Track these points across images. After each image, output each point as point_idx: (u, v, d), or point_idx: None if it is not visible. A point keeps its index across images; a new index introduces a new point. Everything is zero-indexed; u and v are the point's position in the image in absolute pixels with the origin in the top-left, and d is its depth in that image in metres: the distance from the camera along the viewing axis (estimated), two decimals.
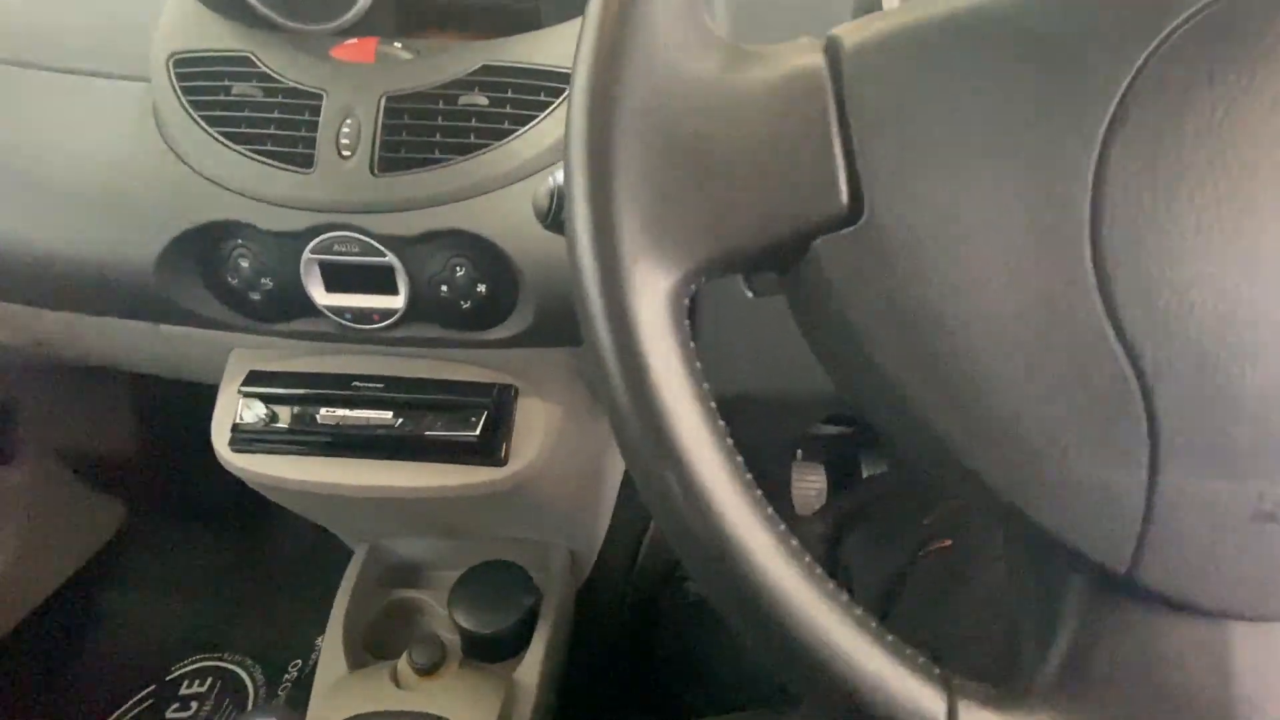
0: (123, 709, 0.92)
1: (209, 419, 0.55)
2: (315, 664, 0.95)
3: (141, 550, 1.05)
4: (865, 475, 1.09)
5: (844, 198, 0.20)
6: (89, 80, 0.51)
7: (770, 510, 0.20)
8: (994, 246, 0.19)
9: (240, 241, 0.47)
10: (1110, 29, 0.19)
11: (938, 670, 0.20)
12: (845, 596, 0.20)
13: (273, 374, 0.52)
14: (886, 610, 0.45)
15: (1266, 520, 0.18)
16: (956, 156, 0.19)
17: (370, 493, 0.52)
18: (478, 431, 0.50)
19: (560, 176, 0.30)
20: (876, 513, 0.50)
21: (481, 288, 0.48)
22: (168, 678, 0.94)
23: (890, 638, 0.20)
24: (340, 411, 0.50)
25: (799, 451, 1.13)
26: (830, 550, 0.51)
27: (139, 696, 0.93)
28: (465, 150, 0.46)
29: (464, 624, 0.64)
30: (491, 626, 0.64)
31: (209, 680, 0.94)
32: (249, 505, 1.12)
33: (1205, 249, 0.18)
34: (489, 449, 0.51)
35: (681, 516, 0.19)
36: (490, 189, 0.46)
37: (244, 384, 0.52)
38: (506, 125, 0.46)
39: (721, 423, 0.20)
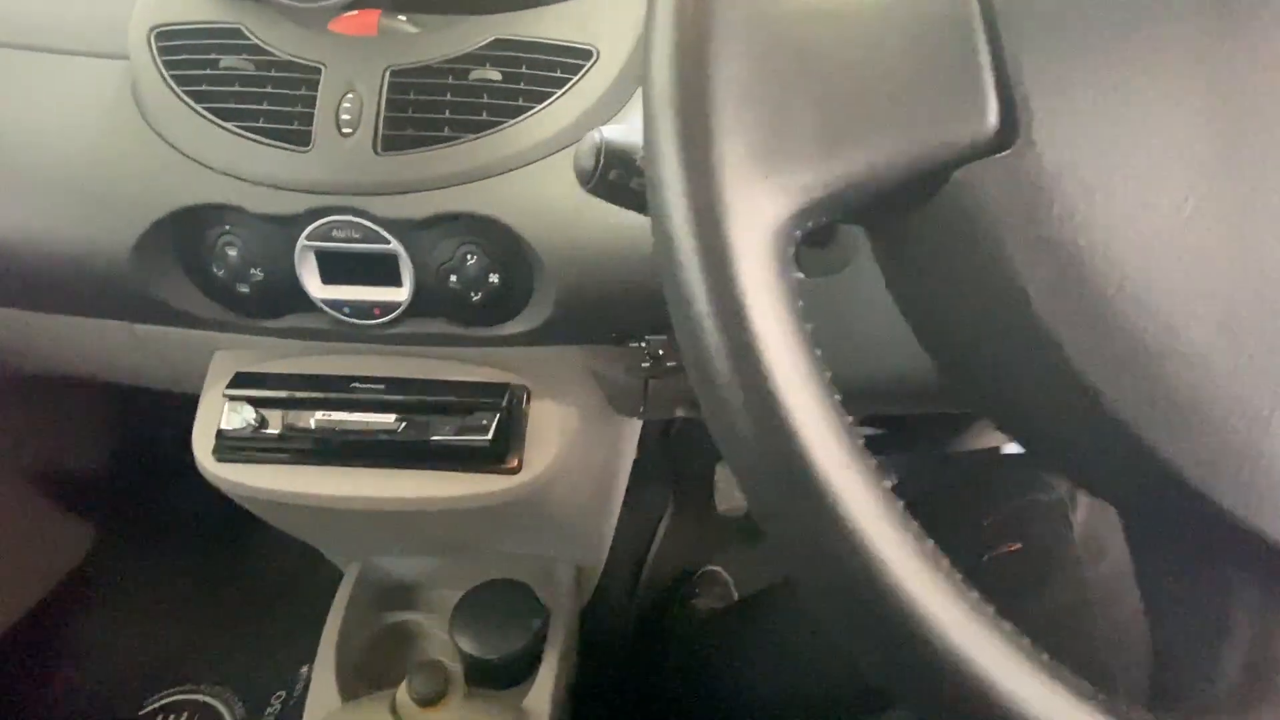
0: None
1: (185, 430, 0.50)
2: (300, 695, 0.89)
3: (111, 574, 0.98)
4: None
5: (993, 118, 0.16)
6: (62, 59, 0.46)
7: (915, 524, 0.16)
8: (1179, 179, 0.16)
9: (228, 227, 0.43)
10: None
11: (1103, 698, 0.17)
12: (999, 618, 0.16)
13: (261, 375, 0.48)
14: None
15: None
16: (1130, 68, 0.16)
17: (371, 505, 0.47)
18: (489, 436, 0.45)
19: (607, 131, 0.26)
20: (925, 513, 0.47)
21: (494, 278, 0.44)
22: (139, 712, 0.87)
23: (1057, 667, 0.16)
24: (337, 415, 0.46)
25: None
26: None
27: None
28: (476, 128, 0.42)
29: (468, 649, 0.59)
30: (498, 651, 0.59)
31: (184, 715, 0.87)
32: (225, 523, 1.05)
33: None
34: (501, 455, 0.47)
35: (804, 517, 0.16)
36: (504, 169, 0.42)
37: (229, 386, 0.47)
38: (520, 102, 0.43)
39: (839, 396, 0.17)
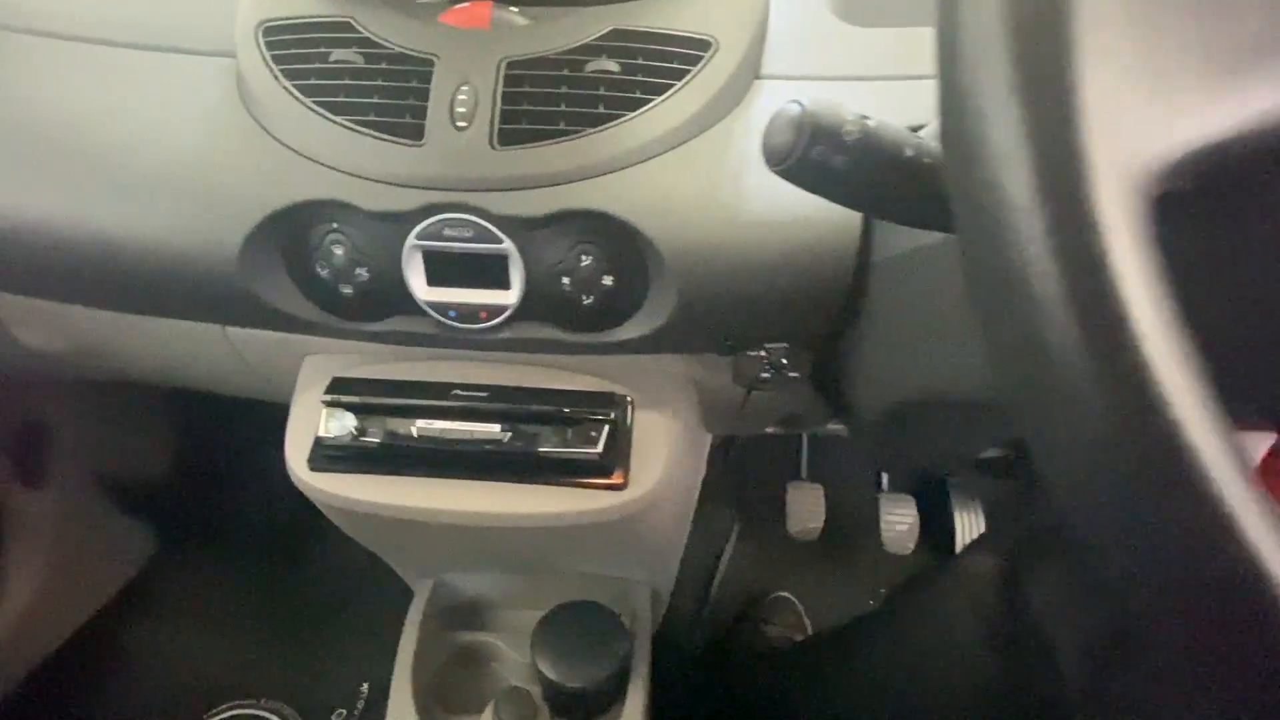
0: None
1: (245, 436, 0.49)
2: (362, 713, 0.86)
3: (172, 581, 0.98)
4: (956, 511, 1.00)
5: None
6: (165, 57, 0.45)
7: None
8: None
9: (335, 225, 0.41)
10: None
11: None
12: None
13: (360, 381, 0.45)
14: (1107, 679, 0.36)
15: None
16: None
17: (474, 519, 0.44)
18: (600, 448, 0.43)
19: (809, 102, 0.23)
20: (1060, 547, 0.42)
21: (607, 280, 0.41)
22: None
23: None
24: (440, 424, 0.43)
25: (883, 480, 1.04)
26: (1007, 596, 0.43)
27: None
28: (594, 121, 0.40)
29: (553, 676, 0.56)
30: (585, 680, 0.56)
31: None
32: (284, 533, 1.05)
33: None
34: (609, 469, 0.44)
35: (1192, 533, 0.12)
36: (624, 164, 0.40)
37: (328, 392, 0.45)
38: (639, 94, 0.40)
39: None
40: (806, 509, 0.96)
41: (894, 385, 0.41)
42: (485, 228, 0.40)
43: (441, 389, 0.44)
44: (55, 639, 0.86)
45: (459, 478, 0.44)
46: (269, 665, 0.91)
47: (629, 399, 0.47)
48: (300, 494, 0.48)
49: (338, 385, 0.45)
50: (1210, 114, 0.13)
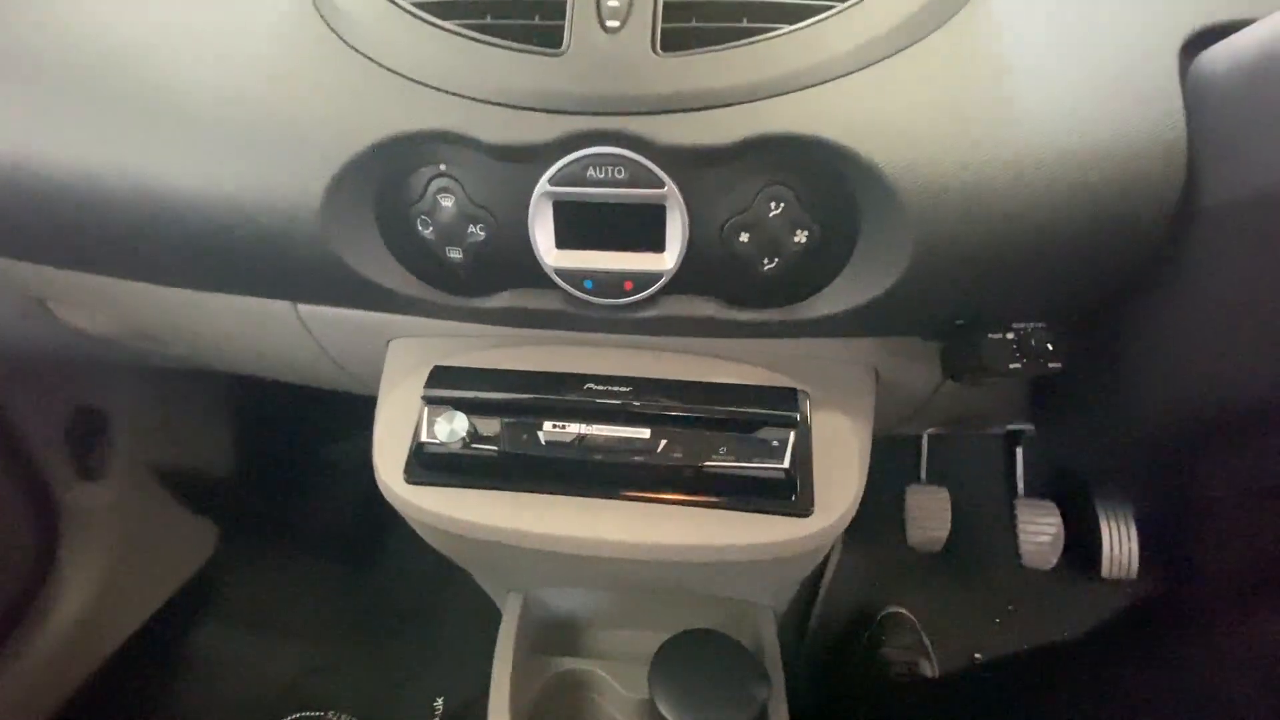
0: None
1: (317, 426, 0.39)
2: None
3: (233, 582, 0.92)
4: (1103, 520, 0.86)
5: None
6: None
7: None
8: None
9: (443, 169, 0.31)
10: None
11: None
12: None
13: (470, 372, 0.36)
14: None
15: None
16: None
17: (621, 552, 0.34)
18: (785, 462, 0.32)
19: None
20: None
21: (800, 235, 0.31)
22: None
23: None
24: (575, 428, 0.33)
25: (1020, 487, 0.91)
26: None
27: None
28: (792, 15, 0.29)
29: None
30: None
31: None
32: (352, 532, 0.99)
33: None
34: (792, 489, 0.33)
35: None
36: (838, 72, 0.29)
37: (429, 385, 0.35)
38: None
39: None
40: (930, 516, 0.84)
41: (1215, 385, 0.30)
42: (642, 166, 0.29)
43: (573, 382, 0.34)
44: (114, 641, 0.80)
45: (597, 496, 0.34)
46: (336, 675, 0.84)
47: (806, 395, 0.36)
48: (371, 491, 0.39)
49: (441, 377, 0.35)
50: None
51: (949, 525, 0.85)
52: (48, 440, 0.77)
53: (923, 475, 0.90)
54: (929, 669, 0.80)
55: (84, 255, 0.41)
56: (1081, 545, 0.87)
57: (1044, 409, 0.44)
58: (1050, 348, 0.31)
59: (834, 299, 0.32)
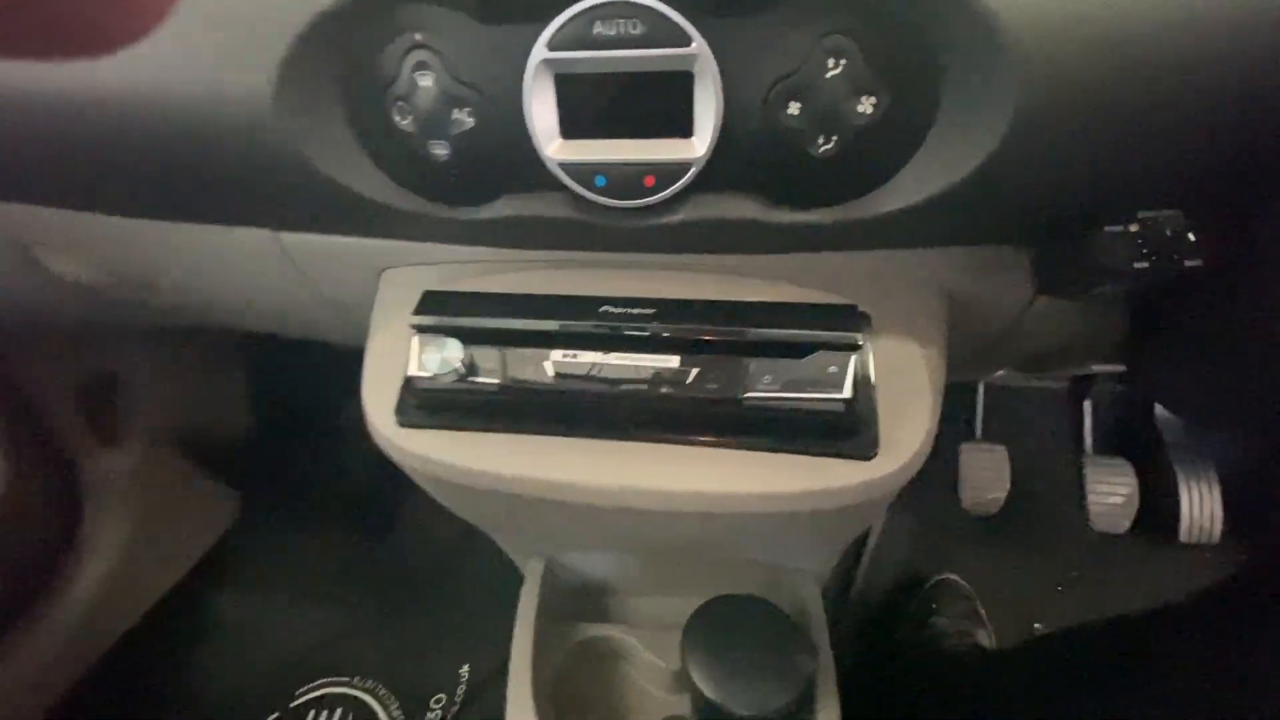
0: None
1: (336, 387, 0.34)
2: (463, 700, 0.77)
3: (256, 548, 0.90)
4: (1182, 481, 0.78)
5: None
6: None
7: None
8: None
9: (418, 38, 0.26)
10: None
11: None
12: None
13: (464, 296, 0.30)
14: None
15: None
16: None
17: (647, 502, 0.29)
18: (845, 392, 0.26)
19: None
20: None
21: (867, 102, 0.24)
22: (291, 704, 0.78)
23: None
24: (589, 357, 0.28)
25: (1088, 443, 0.84)
26: None
27: None
28: None
29: (717, 699, 0.42)
30: (764, 708, 0.41)
31: (337, 711, 0.77)
32: (372, 496, 0.97)
33: None
34: (854, 427, 0.27)
35: None
36: None
37: (418, 311, 0.30)
38: None
39: None
40: (986, 476, 0.77)
41: None
42: (662, 15, 0.23)
43: (586, 305, 0.29)
44: (138, 607, 0.79)
45: (616, 438, 0.29)
46: (361, 641, 0.82)
47: (866, 316, 0.30)
48: None
49: (432, 301, 0.30)
50: None
51: (1008, 486, 0.78)
52: (64, 406, 0.75)
53: (978, 431, 0.83)
54: (986, 640, 0.74)
55: (52, 188, 0.37)
56: (1155, 507, 0.79)
57: (1148, 340, 0.37)
58: (1192, 239, 0.24)
59: (907, 189, 0.26)
